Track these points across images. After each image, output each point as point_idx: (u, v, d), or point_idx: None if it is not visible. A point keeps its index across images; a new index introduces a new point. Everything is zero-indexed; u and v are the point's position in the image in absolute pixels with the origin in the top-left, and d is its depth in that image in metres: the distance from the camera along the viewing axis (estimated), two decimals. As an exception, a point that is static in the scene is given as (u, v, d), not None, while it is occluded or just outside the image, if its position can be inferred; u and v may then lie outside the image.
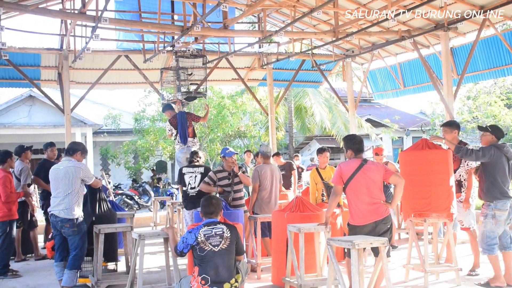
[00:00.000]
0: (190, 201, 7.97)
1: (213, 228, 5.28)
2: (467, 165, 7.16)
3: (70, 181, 6.48)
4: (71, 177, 6.49)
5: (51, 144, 9.52)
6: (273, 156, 12.36)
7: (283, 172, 11.33)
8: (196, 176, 8.00)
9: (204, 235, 5.21)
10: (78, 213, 6.53)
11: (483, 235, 6.45)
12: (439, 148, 6.84)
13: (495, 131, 6.66)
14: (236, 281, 5.24)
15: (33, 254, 9.49)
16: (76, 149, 6.75)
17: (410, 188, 6.56)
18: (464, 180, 7.19)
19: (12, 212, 8.32)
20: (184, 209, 8.22)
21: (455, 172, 7.06)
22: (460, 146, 6.66)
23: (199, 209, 7.68)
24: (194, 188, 7.94)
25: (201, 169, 8.04)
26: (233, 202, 7.72)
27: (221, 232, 5.26)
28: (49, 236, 8.98)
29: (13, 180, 8.58)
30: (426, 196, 6.72)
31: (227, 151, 7.86)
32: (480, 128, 6.89)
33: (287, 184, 11.40)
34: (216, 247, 5.19)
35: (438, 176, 6.69)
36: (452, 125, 7.21)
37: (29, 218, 9.35)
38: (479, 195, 6.72)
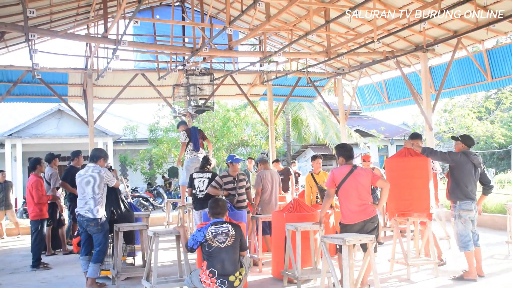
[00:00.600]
0: (198, 203, 7.94)
1: (219, 227, 5.28)
2: (433, 169, 7.17)
3: (95, 186, 6.46)
4: (95, 182, 6.46)
5: (79, 153, 9.45)
6: (273, 162, 12.36)
7: (282, 177, 11.30)
8: (204, 180, 7.96)
9: (212, 233, 5.21)
10: (101, 213, 6.51)
11: (457, 235, 6.42)
12: (420, 155, 6.83)
13: (465, 140, 6.66)
14: (240, 273, 5.23)
15: (61, 249, 9.48)
16: (99, 156, 6.71)
17: (394, 191, 6.56)
18: None
19: (43, 212, 8.38)
20: (194, 209, 8.20)
21: None
22: (425, 147, 6.69)
23: (207, 209, 7.71)
24: (202, 191, 7.89)
25: (209, 174, 8.00)
26: (237, 204, 7.70)
27: (227, 231, 5.26)
28: (75, 233, 9.00)
29: (44, 184, 8.60)
30: (409, 198, 6.71)
31: (234, 158, 7.83)
32: (453, 138, 6.90)
33: (285, 188, 11.37)
34: (222, 244, 5.19)
35: (419, 180, 6.69)
36: (420, 137, 7.24)
37: (58, 218, 9.36)
38: (446, 195, 6.71)
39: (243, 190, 7.86)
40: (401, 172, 6.80)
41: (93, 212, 6.41)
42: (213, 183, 7.69)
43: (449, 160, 6.49)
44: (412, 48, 10.88)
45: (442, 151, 6.62)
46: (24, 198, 15.43)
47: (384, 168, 7.64)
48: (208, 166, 8.16)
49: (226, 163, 7.95)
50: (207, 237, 5.19)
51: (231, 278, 5.12)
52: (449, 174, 6.60)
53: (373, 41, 8.74)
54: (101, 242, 6.48)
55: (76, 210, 6.64)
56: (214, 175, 7.98)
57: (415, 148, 6.76)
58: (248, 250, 5.85)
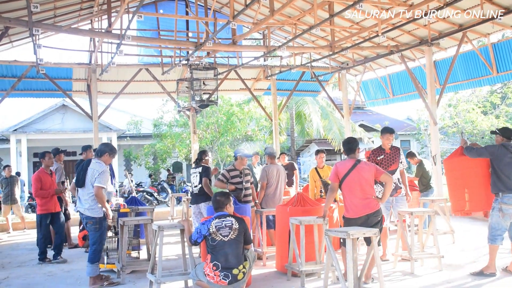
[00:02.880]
0: (193, 198, 8.03)
1: (223, 220, 5.33)
2: (403, 165, 7.09)
3: (92, 184, 6.26)
4: (92, 180, 6.26)
5: (89, 147, 9.33)
6: (280, 154, 12.41)
7: (286, 172, 11.35)
8: (197, 175, 7.98)
9: (215, 226, 5.27)
10: (100, 212, 6.34)
11: (489, 226, 6.33)
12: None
13: (503, 132, 6.56)
14: (244, 267, 5.27)
15: (66, 243, 9.52)
16: (103, 151, 6.45)
17: (452, 191, 6.79)
18: (398, 179, 7.07)
19: (44, 207, 8.22)
20: (190, 204, 8.26)
21: (394, 173, 6.97)
22: (466, 146, 6.59)
23: (201, 204, 7.80)
24: (196, 186, 7.94)
25: (200, 169, 7.99)
26: (244, 198, 7.74)
27: (230, 224, 5.31)
28: (80, 227, 9.04)
29: (47, 178, 8.48)
30: (463, 198, 6.70)
31: (244, 152, 7.79)
32: (492, 132, 6.80)
33: (289, 182, 11.38)
34: (226, 237, 5.24)
35: (474, 179, 6.63)
36: (393, 131, 7.16)
37: (63, 212, 9.37)
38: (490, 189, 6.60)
39: (249, 184, 7.90)
40: (456, 172, 6.81)
41: (92, 211, 6.28)
42: (220, 176, 7.75)
43: (486, 154, 6.37)
44: (417, 42, 10.85)
45: (479, 148, 6.50)
46: (30, 192, 15.54)
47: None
48: (205, 159, 8.16)
49: (234, 157, 7.96)
50: (211, 231, 5.24)
51: (235, 271, 5.17)
52: (491, 168, 6.46)
53: (377, 35, 8.72)
54: (96, 241, 6.32)
55: (76, 207, 6.57)
56: (205, 168, 7.98)
57: (463, 144, 6.73)
58: (252, 244, 5.89)
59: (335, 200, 7.81)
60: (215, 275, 5.14)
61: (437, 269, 6.66)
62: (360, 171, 5.60)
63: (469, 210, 6.72)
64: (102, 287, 6.28)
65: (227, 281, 5.13)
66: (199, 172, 7.94)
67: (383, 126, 8.81)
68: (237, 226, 5.33)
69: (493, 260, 6.27)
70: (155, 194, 18.25)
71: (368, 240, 5.50)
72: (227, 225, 5.31)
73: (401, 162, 7.06)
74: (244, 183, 7.77)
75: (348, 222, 5.66)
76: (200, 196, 7.84)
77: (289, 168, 11.65)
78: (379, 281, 5.20)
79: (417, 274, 6.48)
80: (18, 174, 14.56)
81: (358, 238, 5.36)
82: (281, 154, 12.53)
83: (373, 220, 5.57)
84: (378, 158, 7.06)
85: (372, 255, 5.40)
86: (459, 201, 6.75)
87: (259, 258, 7.51)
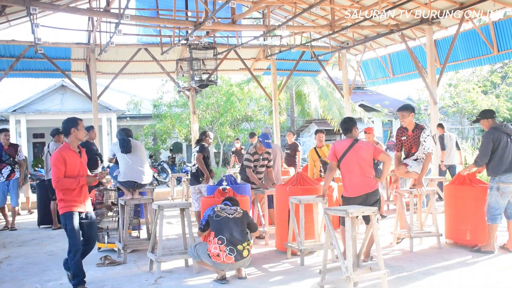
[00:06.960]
0: (191, 177, 8.06)
1: (229, 206, 5.64)
2: (424, 149, 6.65)
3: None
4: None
5: (91, 127, 9.30)
6: (287, 132, 12.43)
7: (289, 152, 11.39)
8: (194, 154, 8.07)
9: (220, 207, 5.54)
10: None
11: (488, 206, 6.34)
12: (478, 184, 6.77)
13: (485, 114, 6.52)
14: (248, 244, 5.36)
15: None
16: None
17: (452, 217, 6.84)
18: (422, 159, 6.68)
19: (68, 204, 7.81)
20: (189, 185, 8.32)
21: (414, 154, 6.70)
22: (476, 160, 6.50)
23: (199, 185, 7.86)
24: (194, 165, 7.99)
25: (197, 148, 8.06)
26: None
27: (235, 208, 5.57)
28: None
29: (74, 160, 7.88)
30: (465, 226, 6.71)
31: (266, 141, 7.69)
32: (475, 121, 6.73)
33: (291, 162, 11.40)
34: (230, 215, 5.41)
35: (478, 210, 6.60)
36: (409, 108, 6.74)
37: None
38: (487, 172, 6.56)
39: (263, 169, 7.95)
40: (458, 200, 6.82)
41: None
42: (246, 162, 7.79)
43: (490, 144, 6.28)
44: (418, 21, 10.74)
45: (482, 148, 6.38)
46: (30, 173, 15.55)
47: (387, 143, 7.61)
48: (205, 139, 8.14)
49: (259, 140, 7.88)
50: (216, 210, 5.47)
51: (240, 247, 5.24)
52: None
53: (378, 14, 8.63)
54: None
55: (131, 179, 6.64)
56: (200, 146, 8.05)
57: (471, 169, 6.76)
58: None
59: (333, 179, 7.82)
60: (220, 250, 5.17)
61: (436, 247, 6.71)
62: (358, 150, 5.61)
63: (470, 241, 6.69)
64: (103, 265, 6.34)
65: (233, 256, 5.18)
66: (196, 151, 7.99)
67: (384, 105, 8.74)
68: (241, 211, 5.56)
69: (492, 238, 6.32)
70: (155, 175, 18.29)
71: (367, 219, 5.52)
72: (232, 208, 5.58)
73: (423, 146, 6.56)
74: (258, 167, 7.84)
75: (347, 201, 5.69)
76: (198, 176, 7.89)
77: (293, 148, 11.67)
78: (377, 259, 5.24)
79: (416, 252, 6.53)
80: None
81: (357, 217, 5.38)
82: (288, 132, 12.57)
83: (371, 199, 5.60)
84: (402, 139, 6.80)
85: (371, 234, 5.43)
86: (460, 228, 6.78)
87: (259, 237, 7.57)
